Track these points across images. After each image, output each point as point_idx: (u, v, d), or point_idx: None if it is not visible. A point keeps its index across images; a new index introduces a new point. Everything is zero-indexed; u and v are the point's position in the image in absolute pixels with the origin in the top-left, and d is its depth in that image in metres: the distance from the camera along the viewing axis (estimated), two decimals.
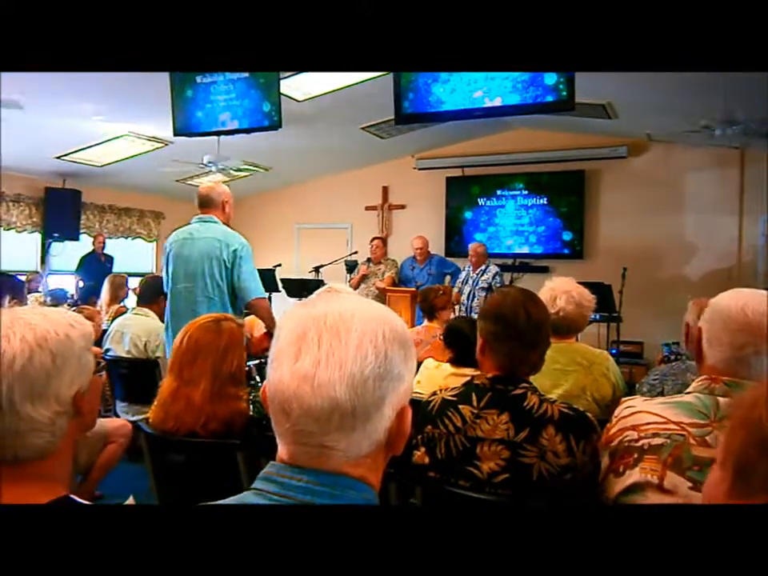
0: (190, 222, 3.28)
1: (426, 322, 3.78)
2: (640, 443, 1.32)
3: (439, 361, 2.74)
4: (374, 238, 6.95)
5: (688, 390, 1.39)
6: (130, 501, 1.40)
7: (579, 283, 2.55)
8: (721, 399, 1.28)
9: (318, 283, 6.65)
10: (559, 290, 2.43)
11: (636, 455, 1.31)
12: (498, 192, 7.69)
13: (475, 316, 5.62)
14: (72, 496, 0.94)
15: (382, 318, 0.78)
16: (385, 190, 8.45)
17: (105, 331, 3.93)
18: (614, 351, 5.84)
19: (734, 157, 6.51)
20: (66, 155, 6.75)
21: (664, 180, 6.88)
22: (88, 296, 6.30)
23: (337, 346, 0.74)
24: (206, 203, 3.24)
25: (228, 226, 3.26)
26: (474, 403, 1.61)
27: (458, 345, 2.56)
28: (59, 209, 7.44)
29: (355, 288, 6.20)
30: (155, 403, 2.11)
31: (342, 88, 5.27)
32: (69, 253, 7.62)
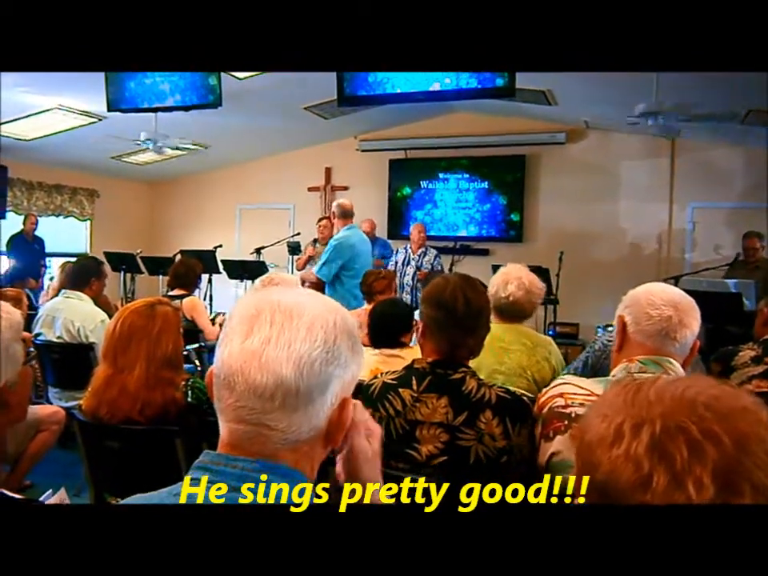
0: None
1: (366, 305, 3.78)
2: (568, 410, 1.43)
3: (367, 345, 2.81)
4: (321, 218, 6.53)
5: (613, 373, 1.51)
6: (61, 492, 1.36)
7: None
8: (636, 376, 1.39)
9: (260, 265, 6.54)
10: (511, 276, 2.53)
11: (566, 422, 1.42)
12: (441, 175, 7.75)
13: (419, 295, 5.81)
14: (2, 491, 0.91)
15: (334, 309, 0.82)
16: (328, 171, 8.38)
17: (34, 315, 3.76)
18: (551, 332, 6.02)
19: (666, 146, 6.76)
20: None
21: (600, 167, 7.08)
22: (15, 278, 6.04)
23: (288, 326, 0.76)
24: (350, 215, 4.79)
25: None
26: (414, 387, 1.64)
27: (372, 327, 2.72)
28: None
29: (301, 269, 6.11)
30: (88, 391, 2.06)
31: None
32: None
